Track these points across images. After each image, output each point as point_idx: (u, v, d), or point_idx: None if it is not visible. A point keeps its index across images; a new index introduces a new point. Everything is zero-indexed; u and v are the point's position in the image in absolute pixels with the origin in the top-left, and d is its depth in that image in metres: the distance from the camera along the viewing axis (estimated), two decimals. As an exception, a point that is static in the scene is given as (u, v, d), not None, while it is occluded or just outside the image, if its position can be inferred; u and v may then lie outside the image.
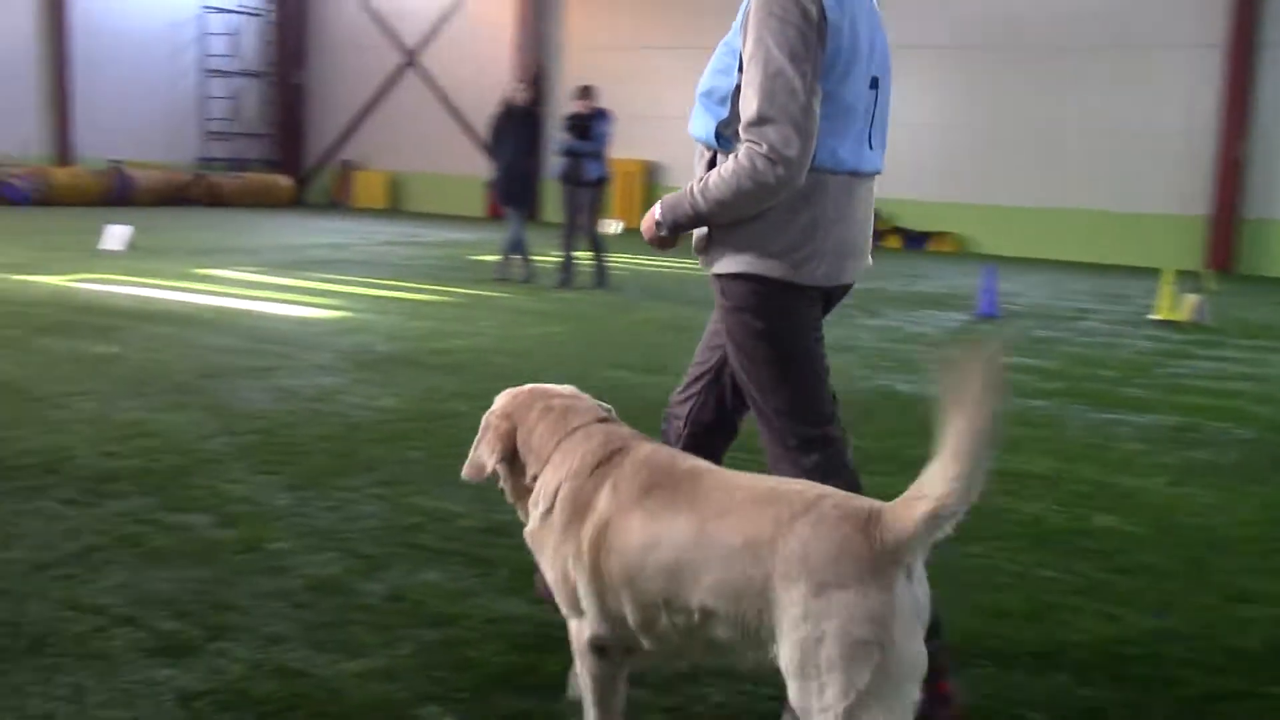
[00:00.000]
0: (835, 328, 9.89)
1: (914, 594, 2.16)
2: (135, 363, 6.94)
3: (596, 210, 12.76)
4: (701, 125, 2.93)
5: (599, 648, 2.43)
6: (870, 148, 2.92)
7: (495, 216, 28.25)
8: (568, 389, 2.74)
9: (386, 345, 8.03)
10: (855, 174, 2.89)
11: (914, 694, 2.10)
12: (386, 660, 2.99)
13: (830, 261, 2.87)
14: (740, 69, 2.78)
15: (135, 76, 28.83)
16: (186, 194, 27.69)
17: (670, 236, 2.99)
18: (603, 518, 2.38)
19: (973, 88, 22.80)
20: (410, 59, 29.94)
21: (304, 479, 4.59)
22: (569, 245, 12.68)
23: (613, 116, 12.74)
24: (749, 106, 2.71)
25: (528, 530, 2.58)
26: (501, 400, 2.70)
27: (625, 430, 2.61)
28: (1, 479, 4.39)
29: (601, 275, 12.70)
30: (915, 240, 22.91)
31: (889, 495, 2.21)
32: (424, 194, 30.00)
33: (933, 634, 2.26)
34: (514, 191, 12.95)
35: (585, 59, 26.83)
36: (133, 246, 14.40)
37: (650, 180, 26.24)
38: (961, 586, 3.73)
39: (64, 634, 3.03)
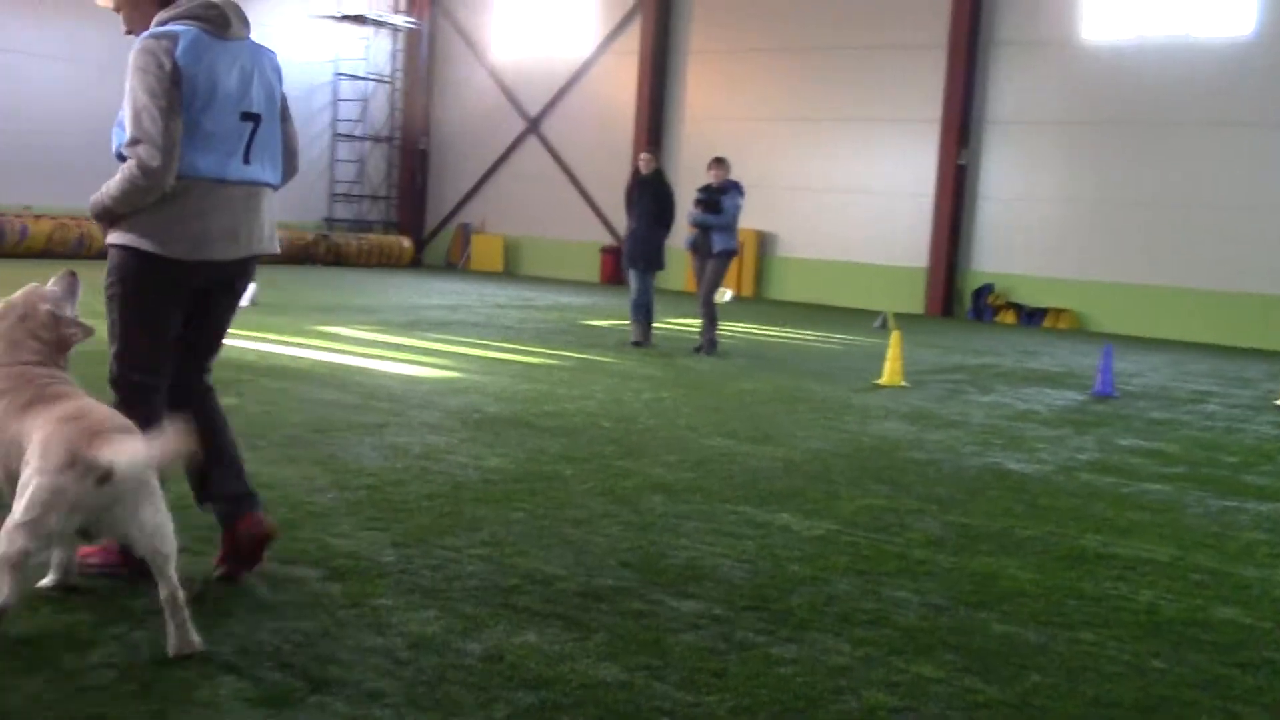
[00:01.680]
0: (947, 402, 9.81)
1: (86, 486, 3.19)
2: (253, 415, 7.14)
3: (717, 281, 12.89)
4: (114, 145, 3.89)
5: None
6: (246, 163, 3.95)
7: (613, 281, 28.59)
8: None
9: (495, 406, 8.14)
10: (221, 181, 3.89)
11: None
12: (481, 721, 3.00)
13: (192, 243, 3.86)
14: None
15: (268, 139, 29.92)
16: (311, 253, 28.54)
17: (103, 222, 3.93)
18: None
19: (1086, 162, 22.48)
20: (532, 126, 30.56)
21: (409, 536, 4.66)
22: (708, 315, 12.81)
23: (743, 189, 12.87)
24: (127, 131, 3.74)
25: None
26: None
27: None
28: (122, 525, 4.52)
29: (712, 343, 12.76)
30: (1031, 316, 22.53)
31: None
32: (539, 258, 30.46)
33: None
34: (635, 255, 13.13)
35: (703, 128, 27.12)
36: (256, 302, 14.86)
37: (762, 250, 26.31)
38: (1069, 674, 3.62)
39: (171, 679, 3.11)
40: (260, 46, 4.05)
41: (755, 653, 3.64)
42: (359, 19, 31.18)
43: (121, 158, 3.81)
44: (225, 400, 7.43)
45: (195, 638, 3.29)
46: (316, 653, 3.37)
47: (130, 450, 3.22)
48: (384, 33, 32.07)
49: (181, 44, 3.75)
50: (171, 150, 3.71)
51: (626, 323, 13.24)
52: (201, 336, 4.18)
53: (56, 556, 3.73)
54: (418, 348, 11.52)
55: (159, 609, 3.43)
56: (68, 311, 3.79)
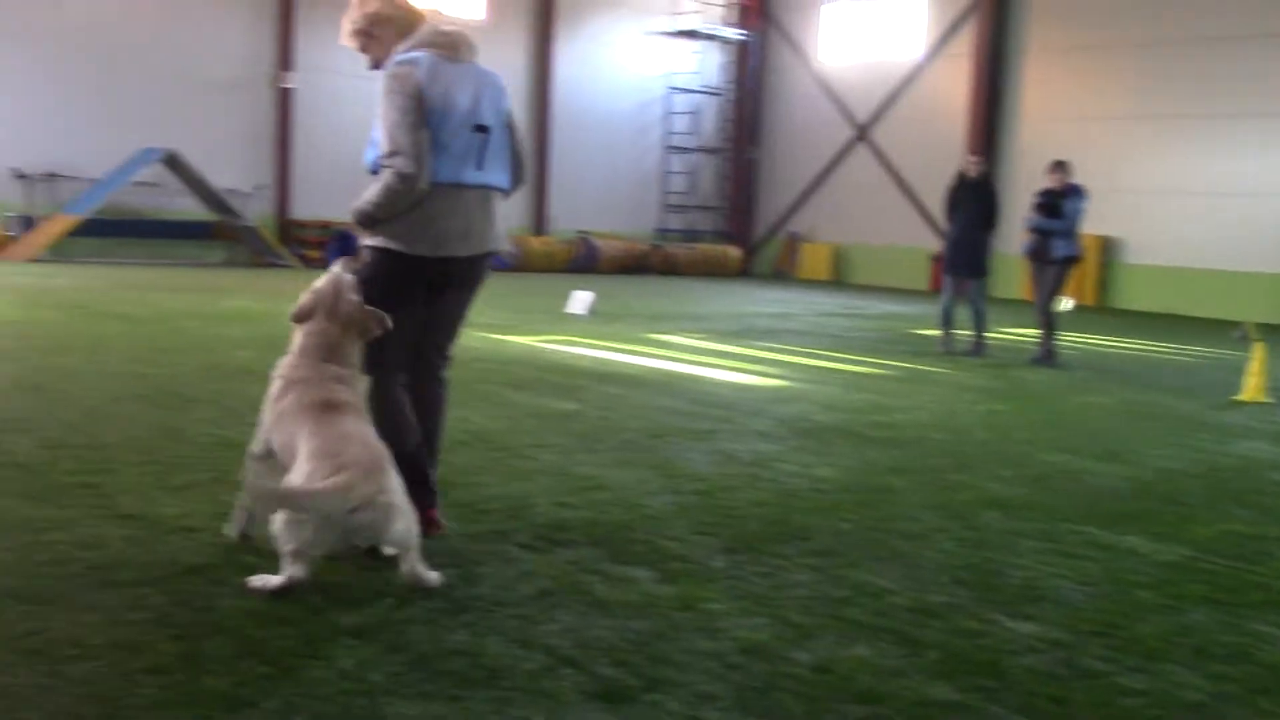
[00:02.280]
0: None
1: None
2: (591, 420, 7.42)
3: (1057, 288, 12.33)
4: (367, 161, 4.43)
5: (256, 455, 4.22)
6: (479, 169, 4.43)
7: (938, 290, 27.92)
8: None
9: (824, 415, 8.10)
10: (458, 185, 4.37)
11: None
12: (811, 732, 2.99)
13: (433, 241, 4.36)
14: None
15: (605, 154, 31.11)
16: (644, 263, 29.39)
17: (364, 227, 4.42)
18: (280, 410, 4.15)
19: None
20: (861, 133, 30.27)
21: (739, 542, 4.71)
22: (1046, 323, 12.33)
23: (1086, 193, 12.27)
24: (383, 147, 4.28)
25: None
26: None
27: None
28: (471, 521, 4.81)
29: (1050, 353, 12.21)
30: None
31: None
32: (867, 266, 30.11)
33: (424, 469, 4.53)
34: (958, 262, 12.77)
35: (1041, 130, 26.01)
36: (594, 311, 15.46)
37: (1107, 257, 24.93)
38: None
39: (517, 670, 3.27)
40: (486, 70, 4.54)
41: (1099, 681, 3.45)
42: (692, 34, 31.88)
43: (374, 171, 4.36)
44: (564, 405, 7.83)
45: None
46: (650, 652, 3.46)
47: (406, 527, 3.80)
48: (715, 46, 32.63)
49: (422, 69, 4.30)
50: (422, 159, 4.24)
51: (958, 331, 12.87)
52: (439, 324, 4.64)
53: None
54: (747, 355, 11.64)
55: (504, 600, 3.63)
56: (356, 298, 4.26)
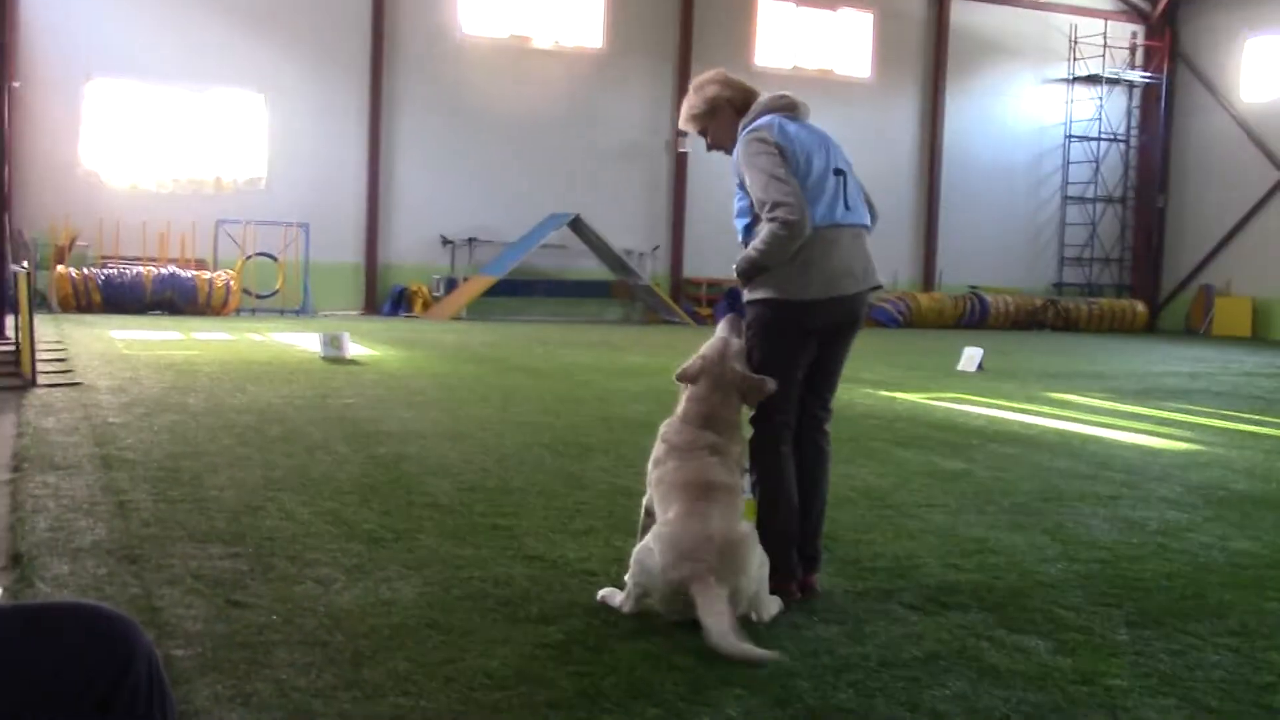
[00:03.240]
0: None
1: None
2: (981, 480, 7.18)
3: None
4: (739, 230, 4.65)
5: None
6: (847, 209, 4.53)
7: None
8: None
9: (1244, 484, 7.43)
10: (834, 225, 4.48)
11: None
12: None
13: (823, 283, 4.45)
14: (743, 189, 4.55)
15: (998, 207, 30.26)
16: (1038, 318, 28.23)
17: (747, 279, 4.53)
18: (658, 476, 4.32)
19: None
20: (1286, 177, 27.83)
21: (1145, 616, 4.39)
22: None
23: None
24: (761, 204, 4.42)
25: None
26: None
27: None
28: (857, 579, 4.77)
29: None
30: None
31: None
32: (1295, 321, 27.52)
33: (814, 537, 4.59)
34: None
35: None
36: (983, 368, 14.99)
37: None
38: None
39: (904, 732, 3.20)
40: (819, 127, 4.73)
41: None
42: (1093, 79, 30.52)
43: (749, 238, 4.54)
44: (952, 464, 7.63)
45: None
46: (1046, 726, 3.29)
47: (715, 621, 3.71)
48: (1118, 90, 31.06)
49: (775, 129, 4.51)
50: (803, 205, 4.36)
51: None
52: (822, 374, 4.67)
53: None
54: (1153, 417, 10.89)
55: (891, 661, 3.57)
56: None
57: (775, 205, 4.35)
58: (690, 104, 4.82)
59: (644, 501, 4.44)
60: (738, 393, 4.38)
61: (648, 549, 4.06)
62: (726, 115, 4.74)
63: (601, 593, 4.26)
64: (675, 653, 3.73)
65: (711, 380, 4.36)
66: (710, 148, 4.90)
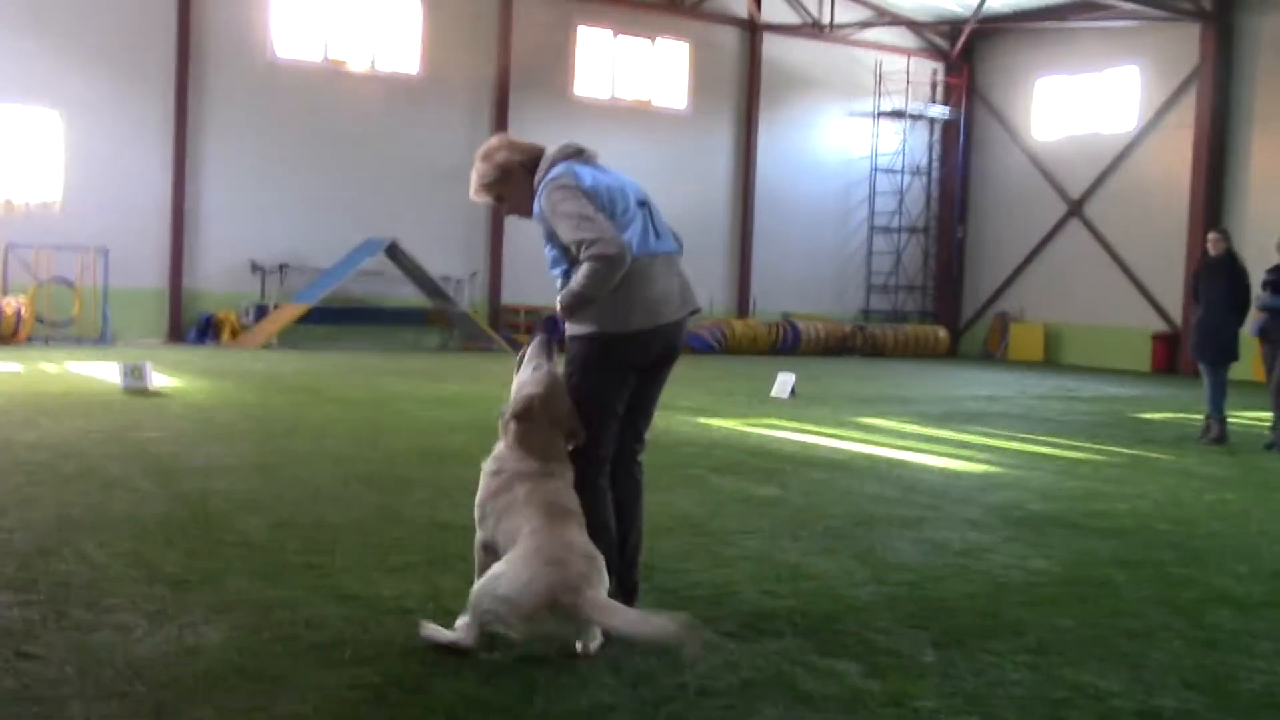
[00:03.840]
0: None
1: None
2: (794, 506, 7.35)
3: (1290, 370, 11.57)
4: (556, 272, 4.63)
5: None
6: (657, 236, 4.65)
7: (1165, 370, 26.64)
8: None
9: (1039, 504, 7.81)
10: (650, 254, 4.57)
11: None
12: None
13: (647, 312, 4.52)
14: (553, 242, 4.56)
15: (809, 235, 31.15)
16: (848, 344, 29.13)
17: (571, 312, 4.50)
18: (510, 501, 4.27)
19: None
20: (1074, 208, 29.46)
21: (950, 637, 4.56)
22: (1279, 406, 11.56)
23: None
24: (576, 245, 4.41)
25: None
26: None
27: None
28: (676, 607, 4.77)
29: (1285, 439, 11.49)
30: None
31: None
32: (1082, 347, 29.09)
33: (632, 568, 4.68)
34: (1204, 347, 12.08)
35: (1270, 202, 24.80)
36: (796, 394, 15.37)
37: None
38: None
39: (722, 763, 3.23)
40: None
41: (1353, 802, 3.17)
42: (897, 114, 31.75)
43: (566, 276, 4.55)
44: (767, 490, 7.79)
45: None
46: (858, 751, 3.37)
47: (613, 617, 3.84)
48: (921, 125, 32.40)
49: (572, 175, 4.54)
50: (618, 236, 4.41)
51: (1184, 415, 12.22)
52: (640, 407, 4.73)
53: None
54: (955, 440, 11.35)
55: (709, 690, 3.62)
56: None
57: (592, 243, 4.36)
58: (481, 173, 4.75)
59: (478, 540, 4.38)
60: (564, 426, 4.40)
61: (497, 575, 3.99)
62: (519, 177, 4.70)
63: (426, 630, 4.16)
64: (494, 693, 3.69)
65: (547, 417, 4.36)
66: (507, 214, 4.86)
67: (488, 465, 4.41)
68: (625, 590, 4.55)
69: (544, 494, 4.21)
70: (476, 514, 4.39)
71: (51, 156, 23.81)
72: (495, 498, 4.30)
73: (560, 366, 4.54)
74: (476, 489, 4.43)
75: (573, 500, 4.31)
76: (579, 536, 4.16)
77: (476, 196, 4.84)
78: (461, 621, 4.06)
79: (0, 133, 23.42)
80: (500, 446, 4.43)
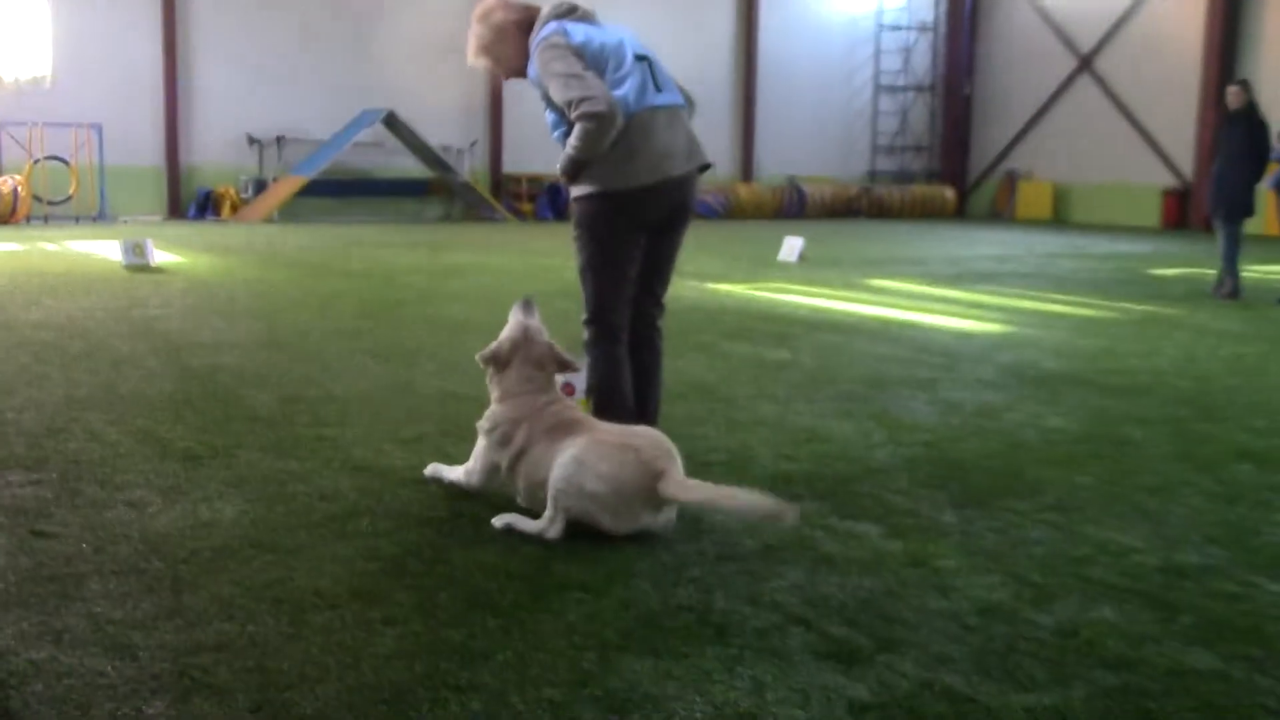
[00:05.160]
0: None
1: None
2: (807, 369, 7.29)
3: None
4: (559, 141, 4.54)
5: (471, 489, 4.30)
6: (659, 91, 4.51)
7: (1177, 226, 26.38)
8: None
9: (1053, 362, 7.74)
10: (651, 108, 4.46)
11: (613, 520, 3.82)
12: (1058, 698, 2.83)
13: (650, 168, 4.42)
14: (549, 103, 4.48)
15: (813, 97, 30.58)
16: (854, 207, 28.84)
17: (569, 176, 4.48)
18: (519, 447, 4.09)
19: None
20: (1084, 64, 28.84)
21: (968, 497, 4.53)
22: None
23: None
24: (567, 104, 4.33)
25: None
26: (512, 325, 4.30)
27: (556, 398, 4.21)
28: (694, 474, 4.72)
29: (1300, 293, 11.38)
30: None
31: None
32: (1092, 204, 28.78)
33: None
34: (1218, 201, 11.89)
35: (1286, 52, 24.23)
36: (804, 257, 15.23)
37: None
38: None
39: (745, 627, 3.21)
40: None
41: (1381, 652, 3.15)
42: (903, -32, 30.93)
43: (564, 137, 4.46)
44: (778, 354, 7.72)
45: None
46: (881, 611, 3.35)
47: (704, 494, 3.82)
48: (927, -21, 31.57)
49: (563, 33, 4.47)
50: (607, 94, 4.32)
51: (1196, 271, 12.10)
52: (654, 268, 4.66)
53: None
54: (966, 300, 11.25)
55: (730, 555, 3.58)
56: (548, 338, 4.28)
57: (580, 102, 4.30)
58: (477, 34, 4.70)
59: (467, 482, 4.28)
60: (551, 364, 4.25)
61: (579, 466, 3.83)
62: (514, 37, 4.63)
63: (503, 519, 3.96)
64: (513, 560, 3.66)
65: (523, 357, 4.22)
66: (506, 77, 4.77)
67: (482, 424, 4.25)
68: None
69: (548, 421, 4.07)
70: (474, 464, 4.27)
71: (40, 32, 23.27)
72: (499, 450, 4.15)
73: (537, 318, 4.33)
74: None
75: (578, 413, 4.20)
76: (610, 425, 4.09)
77: (474, 61, 4.74)
78: (545, 515, 3.88)
79: (-16, 7, 22.86)
80: (492, 406, 4.29)
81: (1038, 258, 17.06)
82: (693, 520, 4.10)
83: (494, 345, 4.29)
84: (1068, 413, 6.16)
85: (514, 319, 4.34)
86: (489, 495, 4.22)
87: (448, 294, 11.07)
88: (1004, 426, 5.80)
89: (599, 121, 4.28)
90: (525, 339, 4.27)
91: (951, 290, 12.15)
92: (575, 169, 4.44)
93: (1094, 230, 25.31)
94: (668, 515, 3.92)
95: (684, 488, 3.81)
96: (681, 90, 4.71)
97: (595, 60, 4.44)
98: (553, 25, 4.54)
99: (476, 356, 4.31)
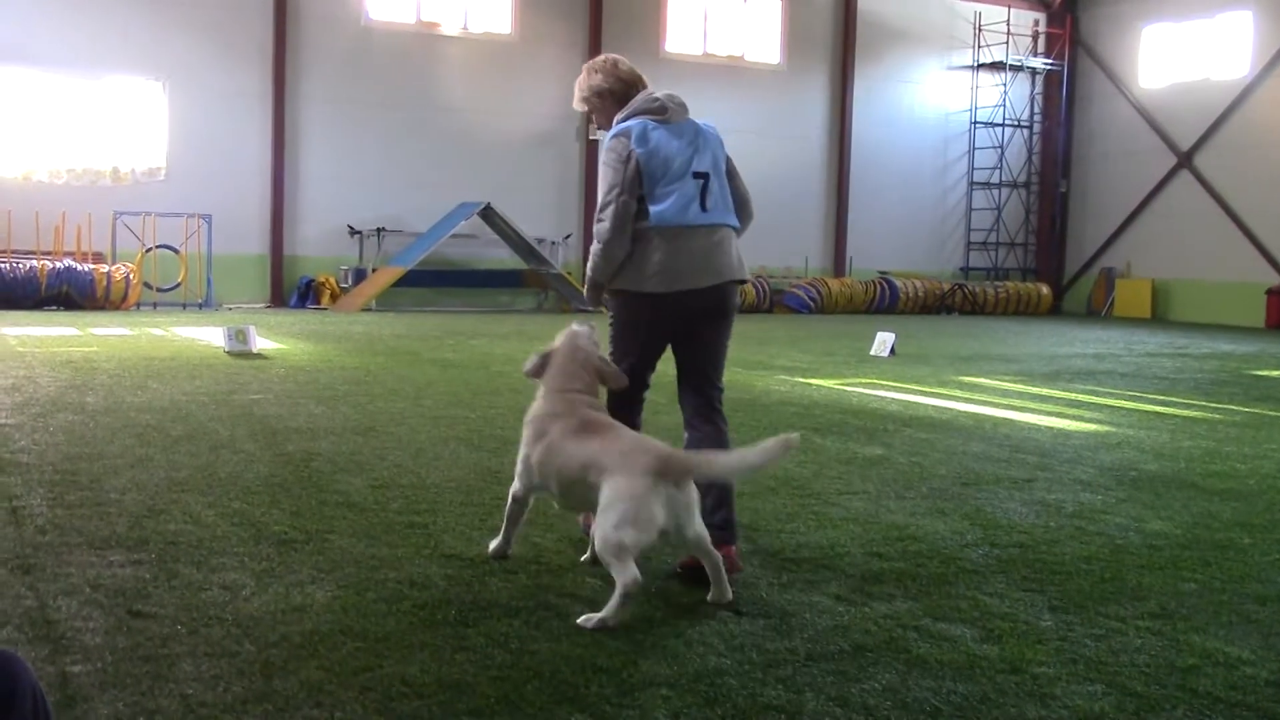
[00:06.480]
0: None
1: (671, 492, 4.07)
2: (899, 466, 7.19)
3: None
4: None
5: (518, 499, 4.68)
6: (704, 210, 4.77)
7: (1276, 326, 25.74)
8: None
9: (1154, 464, 7.54)
10: (685, 226, 4.74)
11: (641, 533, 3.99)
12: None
13: (665, 278, 4.73)
14: None
15: (906, 192, 30.58)
16: (946, 302, 28.61)
17: (594, 293, 4.98)
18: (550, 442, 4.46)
19: None
20: (1184, 160, 28.50)
21: (1067, 601, 4.40)
22: None
23: None
24: (599, 204, 4.79)
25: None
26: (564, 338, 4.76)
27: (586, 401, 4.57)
28: (781, 570, 4.71)
29: None
30: None
31: None
32: (1192, 303, 28.23)
33: (721, 507, 4.62)
34: None
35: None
36: (895, 353, 15.11)
37: None
38: None
39: (835, 729, 3.14)
40: (703, 125, 4.94)
41: None
42: (997, 66, 30.97)
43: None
44: (870, 450, 7.64)
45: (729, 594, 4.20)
46: (977, 718, 3.25)
47: (721, 464, 4.22)
48: (1022, 77, 31.56)
49: (633, 136, 4.75)
50: (623, 223, 4.71)
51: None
52: (706, 355, 4.94)
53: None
54: (1063, 399, 11.05)
55: (819, 655, 3.52)
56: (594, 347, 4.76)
57: (598, 219, 4.76)
58: (579, 84, 5.10)
59: (511, 490, 4.69)
60: (591, 372, 4.66)
61: (606, 509, 4.04)
62: (608, 104, 5.02)
63: (586, 621, 3.93)
64: (600, 654, 3.64)
65: (566, 361, 4.64)
66: (599, 128, 5.15)
67: (526, 417, 4.66)
68: (715, 528, 4.47)
69: (578, 422, 4.42)
70: (518, 466, 4.66)
71: (156, 126, 24.28)
72: (532, 445, 4.53)
73: (592, 331, 4.85)
74: None
75: (607, 417, 4.55)
76: (633, 432, 4.50)
77: (576, 105, 5.15)
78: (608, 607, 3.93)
79: (107, 103, 23.94)
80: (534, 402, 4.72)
81: (1136, 356, 16.73)
82: (782, 617, 4.04)
83: (538, 353, 4.77)
84: (1170, 516, 5.98)
85: (570, 327, 4.83)
86: (577, 586, 4.19)
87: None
88: (1104, 529, 5.65)
89: (603, 248, 4.74)
90: (571, 342, 4.70)
91: (1047, 389, 11.95)
92: (590, 290, 4.96)
93: (1195, 329, 24.78)
94: (687, 499, 4.13)
95: (703, 464, 4.16)
96: (743, 202, 5.00)
97: (650, 170, 4.72)
98: (635, 122, 4.82)
99: (524, 371, 4.79)
